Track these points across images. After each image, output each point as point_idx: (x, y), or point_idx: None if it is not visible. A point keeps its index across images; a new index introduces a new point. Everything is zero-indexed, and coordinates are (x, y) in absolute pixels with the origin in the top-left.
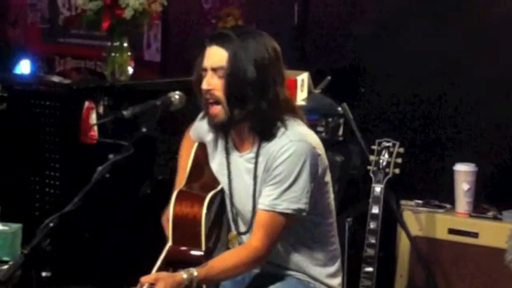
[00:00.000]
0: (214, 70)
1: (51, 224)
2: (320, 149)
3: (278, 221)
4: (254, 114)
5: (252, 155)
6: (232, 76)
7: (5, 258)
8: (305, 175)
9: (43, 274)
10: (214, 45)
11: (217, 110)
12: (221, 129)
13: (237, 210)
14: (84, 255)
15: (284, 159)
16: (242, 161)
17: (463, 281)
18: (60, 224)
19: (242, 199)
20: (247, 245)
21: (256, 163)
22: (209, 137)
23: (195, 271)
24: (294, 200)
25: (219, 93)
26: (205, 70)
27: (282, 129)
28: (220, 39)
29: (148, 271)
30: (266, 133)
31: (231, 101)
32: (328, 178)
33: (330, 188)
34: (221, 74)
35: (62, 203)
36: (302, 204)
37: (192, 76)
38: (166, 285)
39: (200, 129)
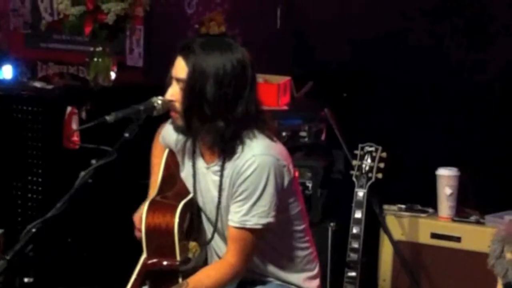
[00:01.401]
0: (177, 80)
1: (34, 230)
2: (286, 159)
3: (250, 237)
4: (210, 131)
5: (218, 168)
6: (189, 92)
7: None
8: (271, 189)
9: (26, 280)
10: (179, 56)
11: (176, 117)
12: (183, 134)
13: (205, 218)
14: (67, 260)
15: (248, 175)
16: (209, 173)
17: (446, 286)
18: (43, 230)
19: (208, 210)
20: (223, 262)
21: (221, 176)
22: (178, 146)
23: None
24: (263, 214)
25: (178, 104)
26: (171, 78)
27: (245, 144)
28: (184, 51)
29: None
30: (226, 150)
31: (188, 115)
32: (297, 186)
33: (299, 195)
34: (181, 86)
35: (45, 209)
36: (271, 218)
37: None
38: None
39: (168, 138)
